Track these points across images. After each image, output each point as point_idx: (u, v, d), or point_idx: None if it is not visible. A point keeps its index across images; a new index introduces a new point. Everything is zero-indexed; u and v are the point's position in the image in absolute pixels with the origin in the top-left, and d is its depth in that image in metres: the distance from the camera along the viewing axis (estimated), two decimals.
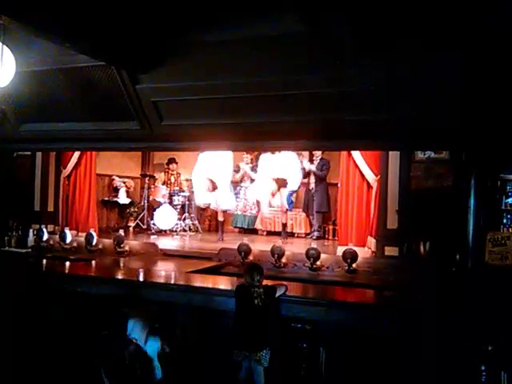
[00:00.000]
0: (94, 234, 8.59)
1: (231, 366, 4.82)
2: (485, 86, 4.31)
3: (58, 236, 8.88)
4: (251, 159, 11.00)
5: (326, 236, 10.70)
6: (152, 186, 11.70)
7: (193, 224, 11.45)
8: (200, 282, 6.19)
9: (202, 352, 5.23)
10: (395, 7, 3.97)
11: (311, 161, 10.51)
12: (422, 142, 5.29)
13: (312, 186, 10.49)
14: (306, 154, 10.91)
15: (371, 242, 7.80)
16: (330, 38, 4.32)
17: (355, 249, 7.14)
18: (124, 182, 11.97)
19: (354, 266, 6.82)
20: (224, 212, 10.62)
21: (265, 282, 4.94)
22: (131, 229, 11.58)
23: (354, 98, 4.78)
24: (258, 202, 10.85)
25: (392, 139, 5.23)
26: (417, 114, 4.71)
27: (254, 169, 10.76)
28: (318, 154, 10.36)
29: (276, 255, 7.13)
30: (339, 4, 3.82)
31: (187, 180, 12.00)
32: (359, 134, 5.08)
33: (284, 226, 10.41)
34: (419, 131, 4.87)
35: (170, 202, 11.19)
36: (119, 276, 6.63)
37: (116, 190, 11.93)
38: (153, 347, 4.37)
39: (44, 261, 7.59)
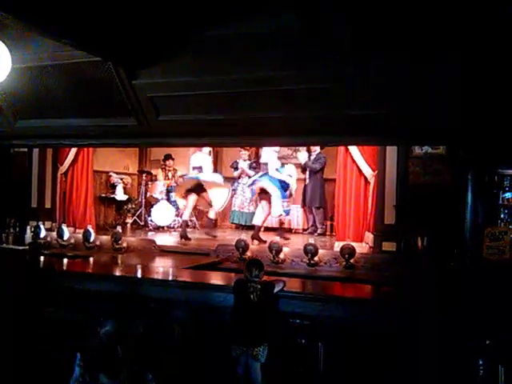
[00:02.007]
0: (92, 230, 8.58)
1: (230, 363, 4.82)
2: (482, 83, 4.31)
3: (55, 233, 8.87)
4: (249, 156, 10.97)
5: (324, 231, 10.69)
6: (149, 183, 11.68)
7: (190, 220, 11.43)
8: (198, 278, 6.19)
9: (200, 348, 5.23)
10: (395, 7, 3.97)
11: (309, 156, 10.51)
12: (419, 137, 5.29)
13: (308, 181, 10.50)
14: (302, 148, 10.89)
15: (369, 237, 7.81)
16: (330, 35, 4.32)
17: (353, 244, 7.15)
18: (121, 179, 11.94)
19: (351, 261, 6.83)
20: None
21: (263, 278, 4.94)
22: (129, 225, 11.57)
23: (352, 93, 4.78)
24: (255, 200, 10.85)
25: (389, 134, 5.24)
26: (414, 110, 4.71)
27: (251, 166, 10.75)
28: (315, 148, 10.35)
29: (274, 251, 7.13)
30: (339, 3, 3.82)
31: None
32: (357, 129, 5.08)
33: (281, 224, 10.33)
34: (417, 126, 4.87)
35: (168, 199, 11.18)
36: (117, 272, 6.63)
37: (113, 187, 11.90)
38: None
39: (41, 258, 7.61)
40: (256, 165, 10.67)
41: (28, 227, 9.10)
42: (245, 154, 10.72)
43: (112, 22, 4.58)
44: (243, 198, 10.97)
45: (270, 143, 8.12)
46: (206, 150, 10.28)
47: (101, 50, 4.87)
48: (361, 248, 7.58)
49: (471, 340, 4.38)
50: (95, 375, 3.70)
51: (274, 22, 4.54)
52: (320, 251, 7.15)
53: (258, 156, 11.47)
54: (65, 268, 6.92)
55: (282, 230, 10.33)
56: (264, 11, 4.50)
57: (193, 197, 9.92)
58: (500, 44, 3.98)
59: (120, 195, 11.85)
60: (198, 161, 10.19)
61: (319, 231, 10.41)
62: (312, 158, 10.37)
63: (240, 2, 4.50)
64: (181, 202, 10.32)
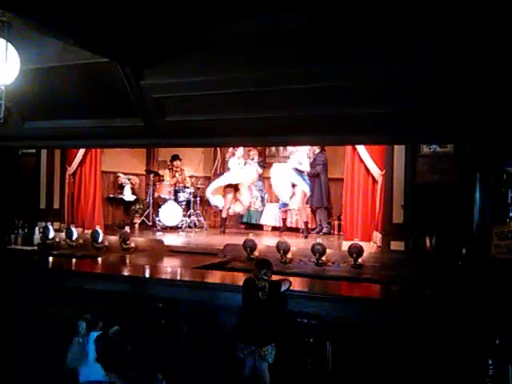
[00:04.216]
0: (100, 230, 8.62)
1: (236, 363, 4.83)
2: (490, 80, 4.28)
3: (63, 233, 8.91)
4: (258, 155, 11.03)
5: (332, 231, 10.70)
6: (157, 183, 11.72)
7: (198, 220, 11.46)
8: (205, 277, 6.20)
9: (206, 348, 5.24)
10: (397, 6, 3.97)
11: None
12: (426, 135, 5.26)
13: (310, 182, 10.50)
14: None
15: (377, 236, 7.79)
16: (335, 34, 4.31)
17: (361, 244, 7.14)
18: (129, 179, 11.98)
19: (359, 260, 6.82)
20: None
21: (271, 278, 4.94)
22: (137, 225, 11.61)
23: (359, 92, 4.76)
24: (262, 198, 10.92)
25: (396, 133, 5.21)
26: (420, 108, 4.69)
27: (260, 164, 10.80)
28: (314, 148, 10.33)
29: (281, 251, 7.13)
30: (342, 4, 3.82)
31: (191, 176, 12.03)
32: (364, 128, 5.06)
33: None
34: (423, 125, 4.85)
35: (175, 199, 11.20)
36: (125, 273, 6.65)
37: (121, 187, 11.95)
38: None
39: (50, 258, 7.64)
40: (264, 163, 10.75)
41: (37, 228, 9.14)
42: (254, 153, 10.77)
43: (118, 23, 4.59)
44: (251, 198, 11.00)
45: (278, 142, 8.12)
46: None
47: (108, 50, 4.88)
48: (369, 247, 7.57)
49: (480, 339, 4.36)
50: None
51: (281, 20, 4.53)
52: (328, 251, 7.14)
53: (265, 155, 11.53)
54: (73, 268, 6.96)
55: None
56: (269, 9, 4.50)
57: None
58: (504, 41, 3.96)
59: (128, 196, 11.89)
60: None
61: (324, 230, 10.42)
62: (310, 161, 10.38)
63: (244, 1, 4.50)
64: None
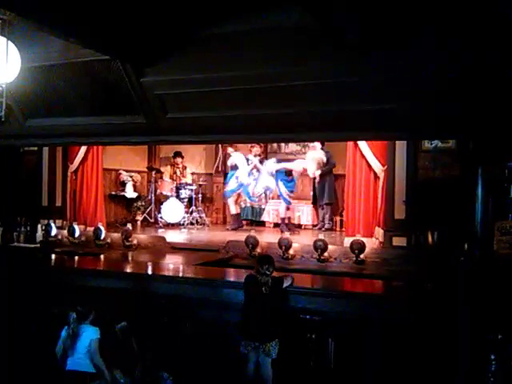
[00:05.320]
0: (102, 228, 8.63)
1: (239, 359, 4.83)
2: (492, 75, 4.28)
3: (66, 231, 8.93)
4: (261, 152, 11.01)
5: (334, 227, 10.68)
6: (159, 180, 11.71)
7: (200, 217, 11.45)
8: (208, 274, 6.21)
9: (209, 344, 5.25)
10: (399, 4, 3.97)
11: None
12: (428, 131, 5.26)
13: (318, 178, 10.46)
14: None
15: (379, 232, 7.79)
16: (335, 33, 4.31)
17: (363, 239, 7.14)
18: (131, 176, 11.98)
19: (361, 256, 6.82)
20: None
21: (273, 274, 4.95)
22: (139, 222, 11.60)
23: (360, 88, 4.76)
24: (265, 195, 10.91)
25: (399, 129, 5.21)
26: (423, 104, 4.68)
27: (262, 161, 10.79)
28: (313, 144, 10.30)
29: (283, 247, 7.14)
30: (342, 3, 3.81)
31: (193, 173, 12.02)
32: (366, 124, 5.06)
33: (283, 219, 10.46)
34: (426, 120, 4.85)
35: (177, 196, 11.19)
36: (128, 270, 6.66)
37: (123, 185, 11.95)
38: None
39: (53, 255, 7.65)
40: (263, 160, 10.75)
41: (39, 225, 9.16)
42: (257, 149, 10.75)
43: (119, 20, 4.59)
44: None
45: (279, 139, 8.12)
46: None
47: (109, 48, 4.88)
48: (371, 243, 7.57)
49: (483, 335, 4.36)
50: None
51: (281, 17, 4.52)
52: (330, 247, 7.14)
53: (266, 151, 11.54)
54: (76, 265, 6.97)
55: (291, 224, 10.37)
56: (269, 7, 4.49)
57: None
58: (505, 38, 3.95)
59: (130, 193, 11.89)
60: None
61: (326, 226, 10.41)
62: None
63: None
64: None
